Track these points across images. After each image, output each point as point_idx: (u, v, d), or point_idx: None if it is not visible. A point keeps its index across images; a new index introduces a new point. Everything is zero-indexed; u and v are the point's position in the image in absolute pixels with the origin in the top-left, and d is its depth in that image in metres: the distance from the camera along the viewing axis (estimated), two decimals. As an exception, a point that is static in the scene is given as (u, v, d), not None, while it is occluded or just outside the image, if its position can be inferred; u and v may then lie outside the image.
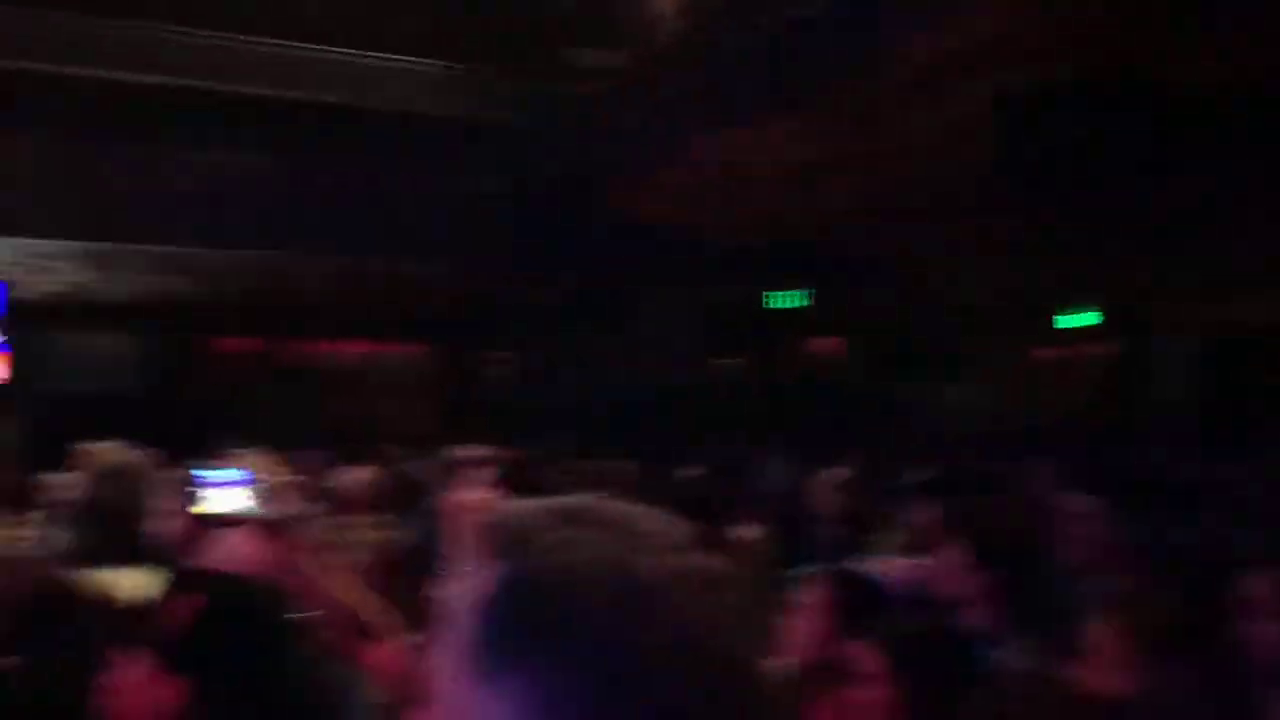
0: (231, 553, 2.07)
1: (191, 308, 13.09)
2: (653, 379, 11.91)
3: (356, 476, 5.12)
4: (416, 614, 2.57)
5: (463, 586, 0.77)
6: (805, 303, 12.23)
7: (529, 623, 0.73)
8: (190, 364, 14.15)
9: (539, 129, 9.85)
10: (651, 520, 0.81)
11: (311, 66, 9.51)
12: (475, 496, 2.78)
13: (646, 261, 10.61)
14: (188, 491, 2.13)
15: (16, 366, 9.81)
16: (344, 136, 9.80)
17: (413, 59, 9.93)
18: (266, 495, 2.03)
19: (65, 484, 5.79)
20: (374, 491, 4.98)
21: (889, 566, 3.38)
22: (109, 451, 4.66)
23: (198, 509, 2.17)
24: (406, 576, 3.11)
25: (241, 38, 9.32)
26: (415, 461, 6.31)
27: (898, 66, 6.60)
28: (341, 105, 9.65)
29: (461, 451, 3.69)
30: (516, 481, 2.83)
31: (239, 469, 2.13)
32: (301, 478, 2.93)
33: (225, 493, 2.09)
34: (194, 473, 2.23)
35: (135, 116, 9.20)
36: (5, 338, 9.51)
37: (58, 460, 6.09)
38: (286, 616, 1.74)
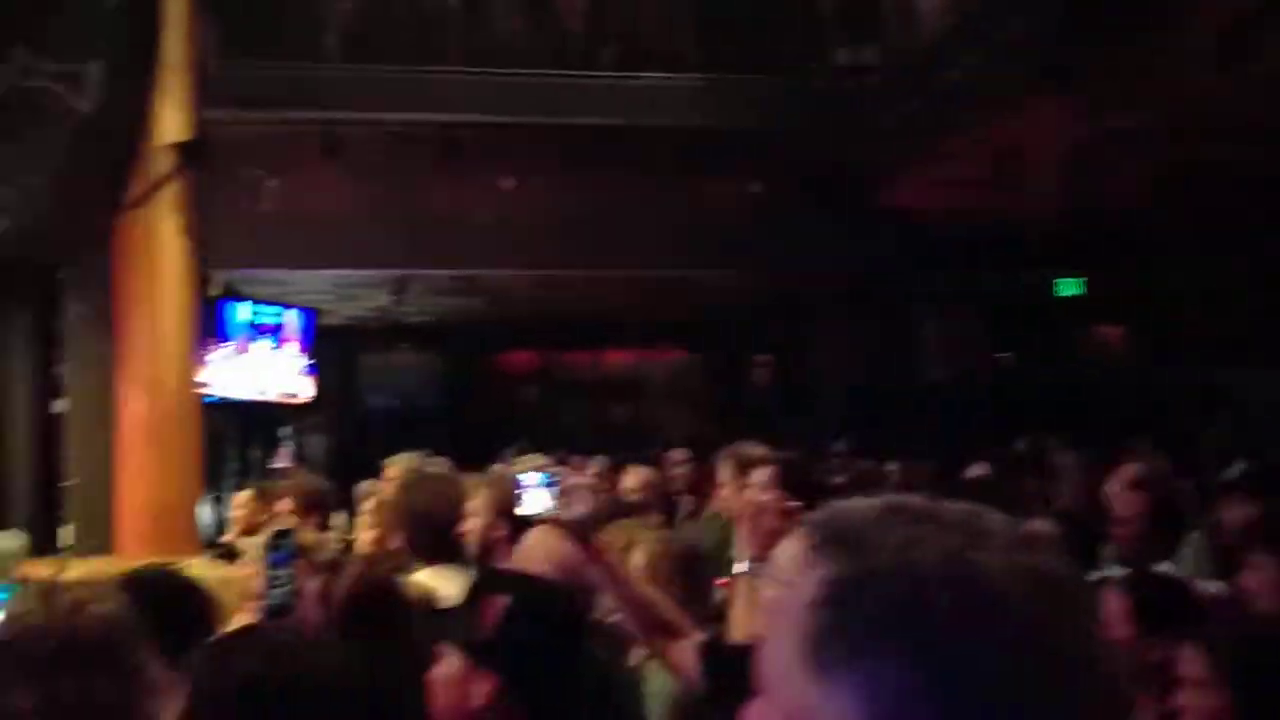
0: (536, 553, 2.18)
1: (478, 326, 13.95)
2: (931, 376, 11.62)
3: (635, 479, 5.27)
4: (698, 612, 2.63)
5: (789, 584, 0.79)
6: (1085, 290, 11.63)
7: (872, 619, 0.74)
8: (478, 379, 15.06)
9: (803, 131, 9.83)
10: (991, 518, 0.79)
11: (585, 92, 9.93)
12: (759, 496, 2.80)
13: (919, 256, 10.39)
14: (494, 495, 2.26)
15: (324, 386, 10.73)
16: (617, 155, 10.15)
17: (676, 75, 10.18)
18: (566, 497, 2.13)
19: (374, 492, 6.27)
20: (653, 494, 5.12)
21: (1194, 579, 3.15)
22: (414, 461, 5.02)
23: (507, 511, 2.29)
24: (686, 576, 3.17)
25: (520, 71, 9.87)
26: (692, 464, 6.42)
27: (1199, 22, 6.10)
28: (613, 126, 10.00)
29: (740, 452, 3.73)
30: (797, 482, 2.82)
31: (542, 472, 2.24)
32: (591, 481, 3.05)
33: (530, 495, 2.20)
34: (499, 477, 2.35)
35: (429, 153, 9.89)
36: (313, 360, 10.43)
37: (363, 471, 6.61)
38: (587, 615, 1.82)
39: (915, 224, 9.98)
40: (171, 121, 8.01)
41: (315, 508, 4.84)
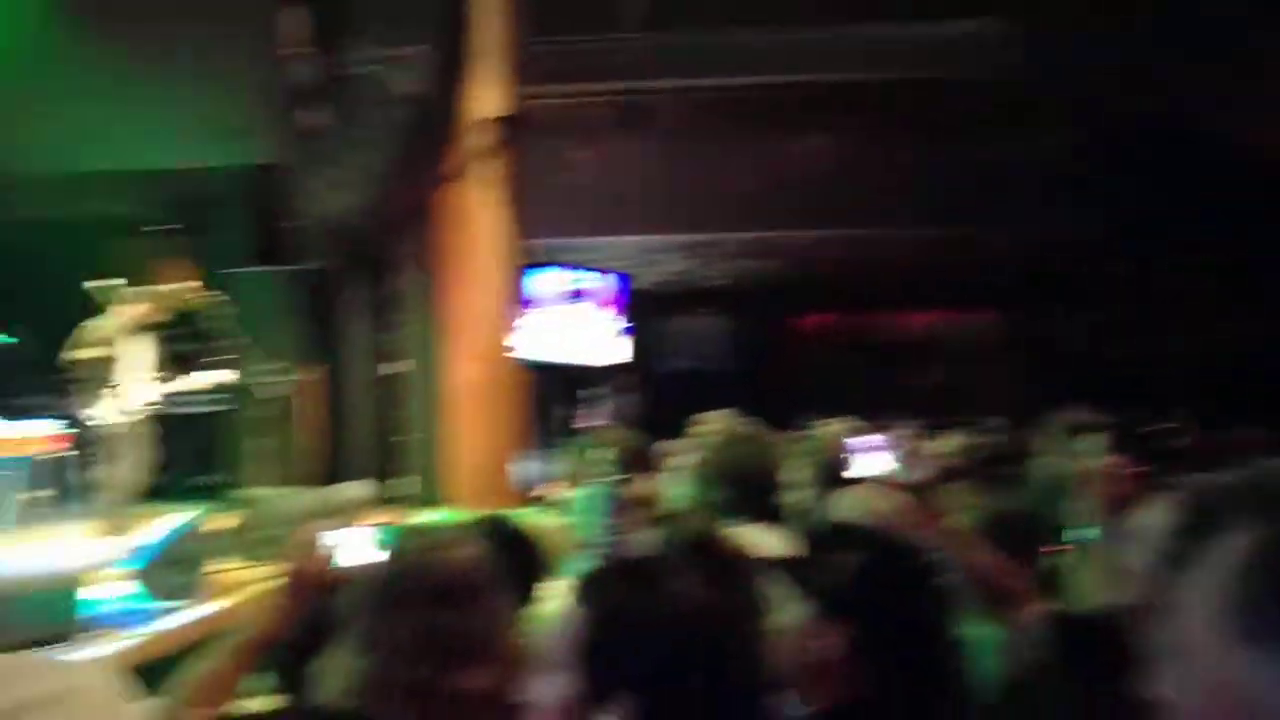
0: (859, 513, 2.16)
1: (779, 288, 13.98)
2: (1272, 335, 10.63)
3: (950, 444, 5.12)
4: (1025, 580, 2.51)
5: (1186, 550, 0.76)
6: None
7: None
8: (774, 341, 15.09)
9: (1113, 81, 9.18)
10: None
11: (887, 46, 9.69)
12: (1102, 462, 2.65)
13: (1263, 206, 9.48)
14: (822, 456, 2.26)
15: (636, 348, 11.13)
16: (918, 111, 9.87)
17: (976, 23, 9.74)
18: (904, 461, 2.11)
19: (683, 449, 6.40)
20: (968, 459, 4.95)
21: None
22: (725, 420, 5.08)
23: (846, 472, 2.29)
24: (1012, 542, 3.05)
25: (820, 30, 9.76)
26: (1007, 429, 6.17)
27: None
28: (912, 80, 9.70)
29: (1067, 416, 3.55)
30: (1140, 446, 2.65)
31: (878, 435, 2.23)
32: (926, 446, 2.99)
33: (867, 457, 2.19)
34: (826, 438, 2.35)
35: (727, 116, 10.00)
36: (628, 324, 10.84)
37: (664, 431, 6.76)
38: (938, 576, 1.78)
39: (1259, 170, 9.12)
40: (488, 99, 8.49)
41: (634, 464, 4.99)
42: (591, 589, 1.54)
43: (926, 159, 10.12)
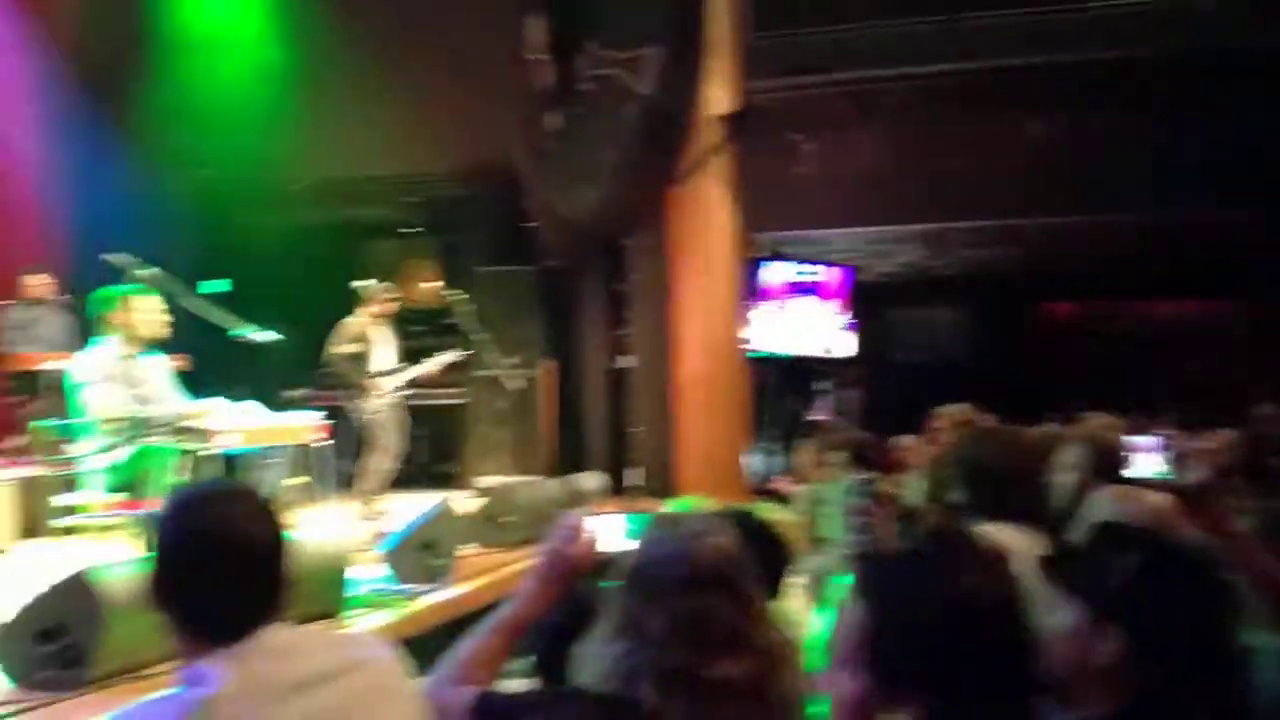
0: (1138, 514, 2.04)
1: (1015, 277, 13.42)
2: None
3: (1219, 440, 4.77)
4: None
5: None
6: None
7: None
8: (1014, 332, 14.48)
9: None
10: None
11: (1119, 23, 9.14)
12: None
13: None
14: (1089, 452, 2.14)
15: (865, 340, 10.94)
16: (1161, 89, 9.25)
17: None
18: (1172, 460, 1.98)
19: (916, 446, 6.24)
20: (1239, 456, 4.60)
21: None
22: (965, 414, 4.93)
23: (1109, 472, 2.17)
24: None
25: (1048, 10, 9.31)
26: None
27: None
28: (1154, 57, 9.09)
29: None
30: None
31: (1143, 433, 2.11)
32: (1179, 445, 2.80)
33: (1140, 457, 2.08)
34: (1095, 434, 2.23)
35: (957, 102, 9.66)
36: (855, 317, 10.67)
37: (897, 425, 6.60)
38: (1220, 581, 1.67)
39: None
40: (717, 94, 8.53)
41: (867, 459, 4.91)
42: (876, 581, 1.49)
43: (1173, 138, 9.46)
